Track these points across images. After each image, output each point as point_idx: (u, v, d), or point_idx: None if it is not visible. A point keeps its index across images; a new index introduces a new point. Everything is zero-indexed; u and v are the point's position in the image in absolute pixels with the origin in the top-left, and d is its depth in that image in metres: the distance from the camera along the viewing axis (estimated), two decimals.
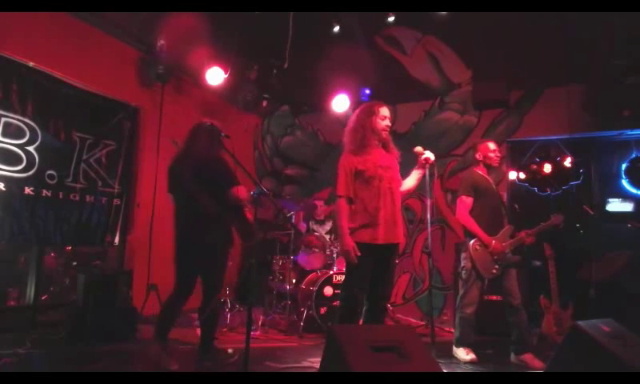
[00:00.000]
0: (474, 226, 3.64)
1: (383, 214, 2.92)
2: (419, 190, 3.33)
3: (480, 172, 3.82)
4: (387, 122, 3.08)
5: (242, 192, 3.11)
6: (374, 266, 2.93)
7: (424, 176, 3.12)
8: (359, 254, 2.85)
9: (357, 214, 2.95)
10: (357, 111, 3.17)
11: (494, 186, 3.85)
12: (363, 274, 2.90)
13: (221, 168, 3.15)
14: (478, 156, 3.85)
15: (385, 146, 3.12)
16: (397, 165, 3.13)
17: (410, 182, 3.16)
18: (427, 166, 3.09)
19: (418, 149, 3.13)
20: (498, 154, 3.85)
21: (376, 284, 2.96)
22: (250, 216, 3.27)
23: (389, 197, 2.97)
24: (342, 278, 4.05)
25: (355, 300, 2.92)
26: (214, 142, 3.20)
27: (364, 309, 3.01)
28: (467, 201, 3.71)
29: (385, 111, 3.09)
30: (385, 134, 3.07)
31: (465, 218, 3.70)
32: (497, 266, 3.59)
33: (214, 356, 3.23)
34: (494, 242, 3.59)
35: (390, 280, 3.07)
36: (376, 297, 2.98)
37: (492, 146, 3.84)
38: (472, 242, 3.64)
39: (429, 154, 3.09)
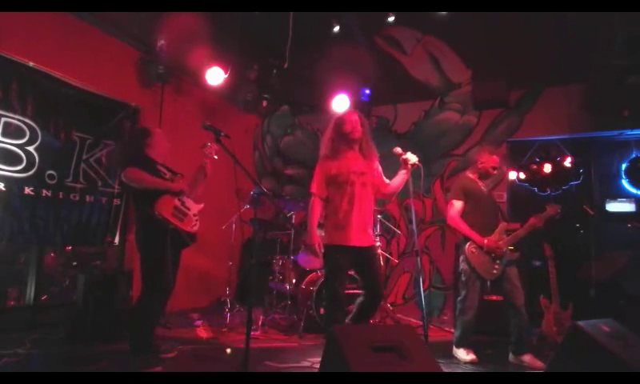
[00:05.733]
0: (464, 228, 3.66)
1: (353, 218, 2.99)
2: (401, 195, 3.30)
3: (471, 176, 3.85)
4: (353, 126, 3.09)
5: (129, 173, 3.10)
6: (352, 267, 3.07)
7: (409, 177, 3.10)
8: (322, 250, 2.99)
9: (329, 216, 3.06)
10: (332, 121, 3.24)
11: (485, 189, 3.86)
12: (340, 272, 2.98)
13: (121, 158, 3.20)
14: (479, 164, 3.84)
15: (361, 151, 3.14)
16: (373, 169, 3.15)
17: (395, 182, 3.16)
18: (410, 167, 3.07)
19: (397, 150, 3.13)
20: (496, 169, 3.85)
21: (366, 284, 3.07)
22: (165, 214, 3.14)
23: (360, 201, 3.03)
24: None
25: (339, 298, 2.95)
26: (132, 141, 3.40)
27: (359, 300, 3.07)
28: (457, 204, 3.73)
29: (351, 117, 3.13)
30: (353, 136, 3.09)
31: (455, 221, 3.72)
32: (497, 265, 3.58)
33: (148, 352, 3.23)
34: (486, 240, 3.60)
35: (375, 279, 3.07)
36: (369, 294, 3.04)
37: (497, 160, 3.85)
38: (467, 245, 3.64)
39: (409, 156, 3.07)
